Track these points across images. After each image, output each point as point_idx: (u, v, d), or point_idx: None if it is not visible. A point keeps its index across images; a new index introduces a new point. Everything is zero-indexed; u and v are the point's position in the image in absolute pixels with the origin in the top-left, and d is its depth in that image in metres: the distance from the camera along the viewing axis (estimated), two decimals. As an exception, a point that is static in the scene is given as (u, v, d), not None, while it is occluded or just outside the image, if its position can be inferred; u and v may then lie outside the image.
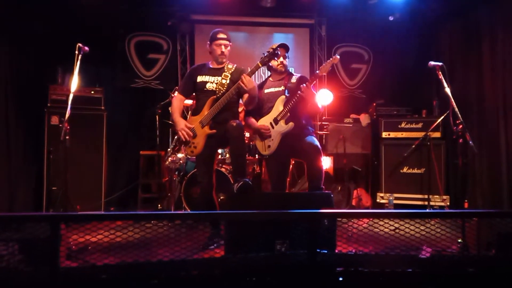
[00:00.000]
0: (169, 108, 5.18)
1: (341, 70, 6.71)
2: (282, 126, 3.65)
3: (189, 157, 4.68)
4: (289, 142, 3.66)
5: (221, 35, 3.64)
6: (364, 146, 5.75)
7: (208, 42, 3.70)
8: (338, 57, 3.62)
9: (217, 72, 3.67)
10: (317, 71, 3.62)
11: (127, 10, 5.92)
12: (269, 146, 3.70)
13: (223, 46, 3.63)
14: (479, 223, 2.87)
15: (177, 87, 5.21)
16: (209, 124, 3.55)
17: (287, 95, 3.69)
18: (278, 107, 3.68)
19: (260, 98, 3.76)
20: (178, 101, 3.77)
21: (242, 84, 3.42)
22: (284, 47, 3.71)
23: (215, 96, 3.56)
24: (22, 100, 4.87)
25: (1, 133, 4.56)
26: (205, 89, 3.63)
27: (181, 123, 3.60)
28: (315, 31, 6.60)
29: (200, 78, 3.68)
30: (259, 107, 3.80)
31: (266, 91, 3.79)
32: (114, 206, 5.57)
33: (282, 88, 3.74)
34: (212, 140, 3.59)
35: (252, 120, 3.81)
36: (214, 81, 3.63)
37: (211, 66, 3.73)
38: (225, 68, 3.67)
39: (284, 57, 3.75)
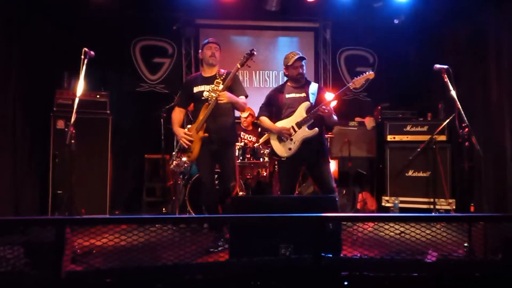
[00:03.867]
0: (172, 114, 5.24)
1: (346, 73, 6.71)
2: (306, 131, 3.68)
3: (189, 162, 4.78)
4: (307, 153, 3.70)
5: (211, 40, 3.95)
6: (369, 149, 5.73)
7: (200, 50, 3.96)
8: (373, 72, 3.66)
9: (210, 80, 3.83)
10: (350, 84, 3.67)
11: (132, 14, 5.96)
12: (289, 149, 3.71)
13: (213, 48, 3.86)
14: (486, 227, 2.84)
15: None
16: (203, 129, 3.70)
17: (312, 102, 3.73)
18: (302, 112, 3.71)
19: (281, 102, 3.82)
20: (178, 113, 3.98)
21: (220, 101, 3.62)
22: (301, 59, 3.79)
23: (207, 103, 3.71)
24: (29, 104, 4.90)
25: (7, 136, 4.58)
26: (202, 98, 3.79)
27: (180, 132, 3.82)
28: (319, 35, 6.61)
29: (196, 89, 3.84)
30: (278, 111, 3.84)
31: (287, 96, 3.82)
32: (118, 210, 5.59)
33: (304, 94, 3.79)
34: (211, 145, 3.74)
35: (270, 123, 3.83)
36: (209, 89, 3.79)
37: (204, 75, 3.91)
38: (217, 75, 3.83)
39: (302, 67, 3.81)
